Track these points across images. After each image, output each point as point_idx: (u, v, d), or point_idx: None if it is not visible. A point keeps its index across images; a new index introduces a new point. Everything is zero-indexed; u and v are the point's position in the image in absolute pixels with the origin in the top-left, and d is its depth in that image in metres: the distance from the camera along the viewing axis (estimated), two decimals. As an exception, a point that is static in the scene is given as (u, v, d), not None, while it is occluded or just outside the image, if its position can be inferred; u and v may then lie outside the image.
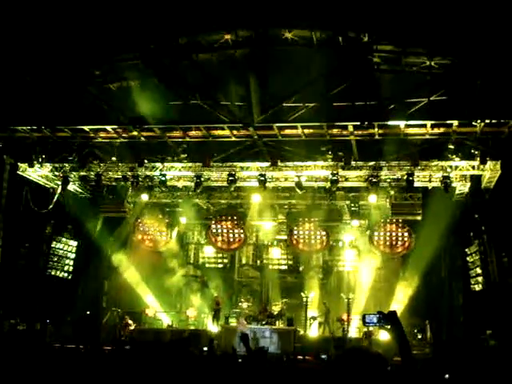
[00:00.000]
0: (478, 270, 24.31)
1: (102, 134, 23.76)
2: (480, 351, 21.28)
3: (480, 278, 24.16)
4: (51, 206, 25.08)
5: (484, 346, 21.45)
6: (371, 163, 22.89)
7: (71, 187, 25.89)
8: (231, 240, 28.72)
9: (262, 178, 23.45)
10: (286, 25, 21.01)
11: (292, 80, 20.70)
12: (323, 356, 17.87)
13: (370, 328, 24.24)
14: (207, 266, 31.23)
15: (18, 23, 20.33)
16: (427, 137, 21.94)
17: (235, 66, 21.55)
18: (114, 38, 20.86)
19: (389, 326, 4.40)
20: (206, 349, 16.81)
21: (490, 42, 18.96)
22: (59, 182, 25.10)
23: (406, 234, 26.48)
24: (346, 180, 23.74)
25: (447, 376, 6.13)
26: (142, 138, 23.73)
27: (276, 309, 26.91)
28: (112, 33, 20.56)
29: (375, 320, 4.62)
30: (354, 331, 26.25)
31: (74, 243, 28.26)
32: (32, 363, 9.28)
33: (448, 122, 21.15)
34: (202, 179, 24.04)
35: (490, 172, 21.75)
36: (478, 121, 20.42)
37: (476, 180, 22.75)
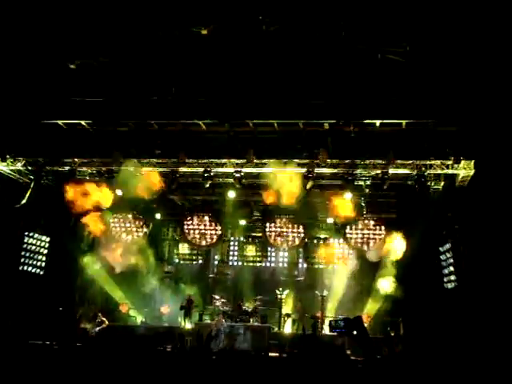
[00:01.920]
0: (451, 269, 24.49)
1: (77, 128, 23.55)
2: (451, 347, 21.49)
3: (453, 277, 24.35)
4: (24, 201, 24.80)
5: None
6: (347, 161, 22.97)
7: (44, 182, 25.60)
8: (206, 237, 28.65)
9: (238, 175, 23.43)
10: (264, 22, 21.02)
11: (270, 76, 20.69)
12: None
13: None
14: (182, 262, 31.17)
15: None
16: (402, 135, 22.09)
17: (212, 61, 21.46)
18: (89, 32, 20.73)
19: (354, 332, 4.38)
20: (178, 346, 16.78)
21: (470, 44, 19.16)
22: (32, 177, 24.82)
23: (380, 232, 26.65)
24: (322, 177, 23.80)
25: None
26: (118, 134, 23.57)
27: (250, 306, 26.90)
28: (87, 27, 20.44)
29: (342, 325, 4.60)
30: (328, 329, 26.31)
31: (47, 239, 27.94)
32: (3, 359, 9.16)
33: (423, 121, 21.32)
34: (178, 175, 23.94)
35: (464, 171, 21.97)
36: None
37: (450, 179, 22.95)
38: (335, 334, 21.11)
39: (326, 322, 26.51)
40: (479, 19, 18.81)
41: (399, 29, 19.80)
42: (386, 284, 25.92)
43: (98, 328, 25.42)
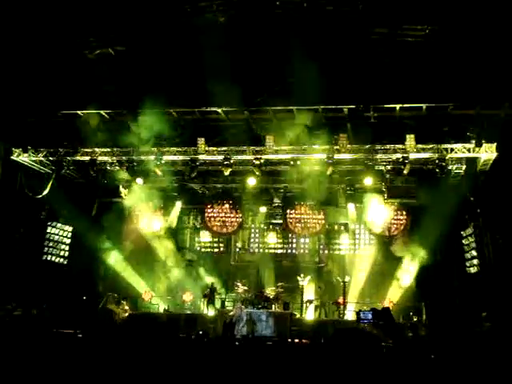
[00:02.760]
0: (474, 253, 24.35)
1: (97, 119, 23.64)
2: (474, 333, 21.36)
3: (475, 261, 24.21)
4: (46, 192, 24.98)
5: (478, 329, 21.55)
6: (366, 146, 22.83)
7: (65, 172, 25.76)
8: (227, 224, 28.70)
9: (258, 162, 23.40)
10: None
11: (287, 61, 20.56)
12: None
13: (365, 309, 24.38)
14: (203, 250, 31.25)
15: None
16: (422, 119, 21.91)
17: (230, 48, 21.37)
18: (106, 20, 20.77)
19: (381, 323, 4.35)
20: (201, 333, 16.86)
21: (490, 25, 18.90)
22: (54, 167, 25.00)
23: (401, 217, 26.51)
24: (342, 163, 23.70)
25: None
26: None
27: (272, 292, 26.95)
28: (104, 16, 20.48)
29: (370, 317, 4.58)
30: (351, 314, 26.36)
31: (69, 228, 28.20)
32: (28, 348, 9.26)
33: (443, 104, 21.11)
34: (197, 163, 23.97)
35: (486, 154, 21.73)
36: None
37: (472, 162, 22.71)
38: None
39: (348, 307, 26.55)
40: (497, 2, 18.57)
41: (419, 11, 19.57)
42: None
43: (124, 314, 25.63)
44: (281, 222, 29.40)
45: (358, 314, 4.44)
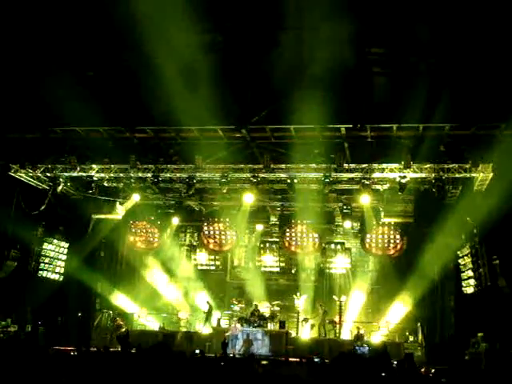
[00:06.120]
0: (470, 273, 24.34)
1: (94, 135, 23.65)
2: (471, 354, 21.34)
3: (472, 281, 24.20)
4: (43, 208, 24.94)
5: (475, 350, 21.53)
6: (363, 165, 22.87)
7: (63, 188, 25.71)
8: (223, 242, 28.69)
9: (255, 180, 23.44)
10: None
11: (284, 81, 20.65)
12: (316, 359, 17.75)
13: (361, 331, 24.37)
14: (199, 267, 31.21)
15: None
16: (419, 139, 21.98)
17: (228, 66, 21.48)
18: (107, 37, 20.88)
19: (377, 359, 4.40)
20: (198, 351, 16.83)
21: (486, 47, 19.05)
22: (51, 183, 24.98)
23: (397, 237, 26.53)
24: (339, 182, 23.74)
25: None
26: (135, 140, 23.69)
27: (268, 311, 26.90)
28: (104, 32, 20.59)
29: (366, 351, 4.64)
30: (347, 334, 26.31)
31: (66, 245, 28.12)
32: (23, 365, 9.22)
33: (440, 124, 21.19)
34: (195, 181, 24.00)
35: (482, 175, 21.79)
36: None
37: (468, 183, 22.78)
38: (354, 338, 21.08)
39: (345, 327, 26.54)
40: (494, 25, 18.74)
41: (415, 32, 19.72)
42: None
43: (118, 332, 25.51)
44: (277, 240, 29.42)
45: (353, 349, 4.39)
